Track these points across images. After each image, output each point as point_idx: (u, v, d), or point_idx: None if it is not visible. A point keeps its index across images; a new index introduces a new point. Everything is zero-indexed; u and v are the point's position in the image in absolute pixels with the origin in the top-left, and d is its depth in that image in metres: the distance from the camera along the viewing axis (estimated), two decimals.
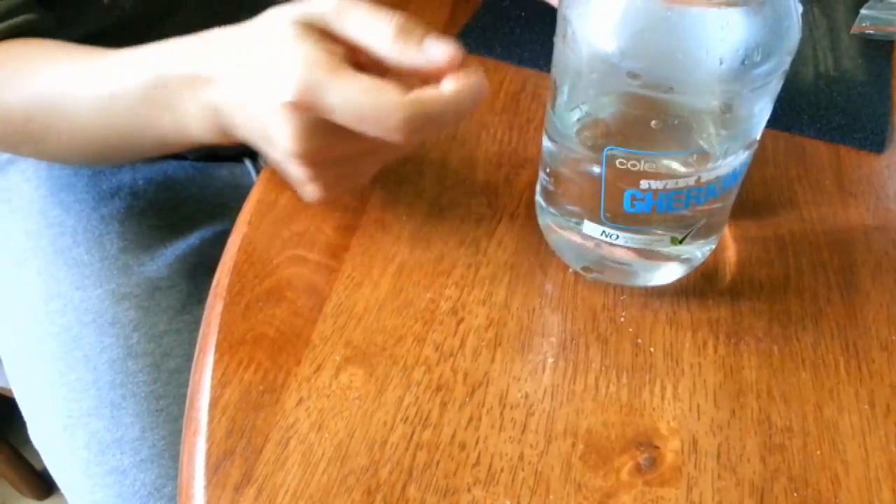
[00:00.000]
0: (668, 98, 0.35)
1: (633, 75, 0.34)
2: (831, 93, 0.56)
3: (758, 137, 0.39)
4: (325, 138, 0.39)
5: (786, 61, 0.35)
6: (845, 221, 0.49)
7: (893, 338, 0.43)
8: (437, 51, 0.39)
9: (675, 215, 0.40)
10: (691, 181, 0.37)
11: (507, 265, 0.46)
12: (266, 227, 0.47)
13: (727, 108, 0.36)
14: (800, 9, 0.36)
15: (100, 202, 0.68)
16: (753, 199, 0.50)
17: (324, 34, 0.39)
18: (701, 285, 0.45)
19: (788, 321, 0.43)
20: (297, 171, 0.41)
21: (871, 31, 0.61)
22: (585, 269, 0.44)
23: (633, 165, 0.37)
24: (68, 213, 0.67)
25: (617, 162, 0.37)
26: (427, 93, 0.38)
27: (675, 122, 0.36)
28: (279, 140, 0.39)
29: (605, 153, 0.37)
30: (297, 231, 0.47)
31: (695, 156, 0.37)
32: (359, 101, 0.37)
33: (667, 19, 0.33)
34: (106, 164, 0.69)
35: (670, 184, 0.37)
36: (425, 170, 0.51)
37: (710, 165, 0.37)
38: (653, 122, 0.36)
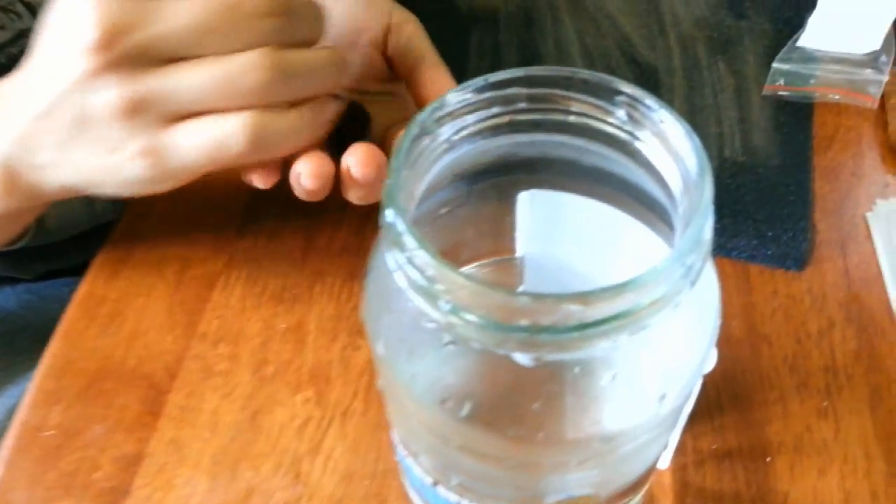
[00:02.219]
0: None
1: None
2: (738, 190, 0.44)
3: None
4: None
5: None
6: (757, 382, 0.37)
7: None
8: None
9: None
10: None
11: (335, 499, 0.34)
12: (28, 466, 0.35)
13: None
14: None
15: None
16: None
17: None
18: None
19: None
20: (110, 89, 0.30)
21: (786, 93, 0.49)
22: None
23: None
24: None
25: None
26: None
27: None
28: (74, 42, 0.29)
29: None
30: (66, 470, 0.35)
31: None
32: None
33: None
34: None
35: None
36: (240, 351, 0.39)
37: None
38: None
